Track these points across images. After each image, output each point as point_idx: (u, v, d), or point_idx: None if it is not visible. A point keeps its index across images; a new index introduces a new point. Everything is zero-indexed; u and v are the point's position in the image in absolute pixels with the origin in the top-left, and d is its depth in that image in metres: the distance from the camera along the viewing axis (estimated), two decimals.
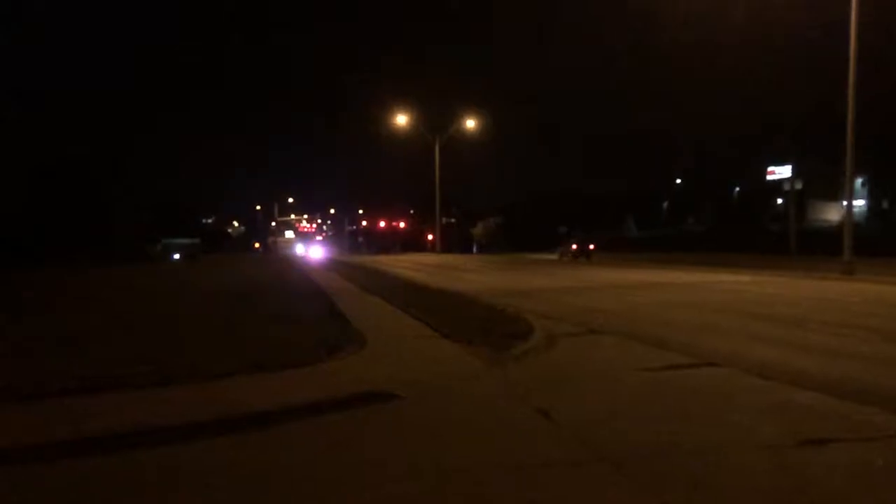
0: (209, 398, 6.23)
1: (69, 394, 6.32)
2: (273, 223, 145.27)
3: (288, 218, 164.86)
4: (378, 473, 4.37)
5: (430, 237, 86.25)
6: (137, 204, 70.07)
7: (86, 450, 4.87)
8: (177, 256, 62.94)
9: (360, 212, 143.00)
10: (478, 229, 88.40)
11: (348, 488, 4.15)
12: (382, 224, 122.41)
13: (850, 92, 22.79)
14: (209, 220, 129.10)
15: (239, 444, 5.02)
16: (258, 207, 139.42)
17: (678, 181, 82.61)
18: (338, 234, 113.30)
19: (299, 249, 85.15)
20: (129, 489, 4.21)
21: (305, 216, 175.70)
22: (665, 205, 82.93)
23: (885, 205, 54.71)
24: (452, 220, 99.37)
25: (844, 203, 25.50)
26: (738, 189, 69.88)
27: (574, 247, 45.37)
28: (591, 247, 45.46)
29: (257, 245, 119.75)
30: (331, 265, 40.82)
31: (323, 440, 5.11)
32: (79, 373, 7.03)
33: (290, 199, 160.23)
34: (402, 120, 60.88)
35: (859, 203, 53.30)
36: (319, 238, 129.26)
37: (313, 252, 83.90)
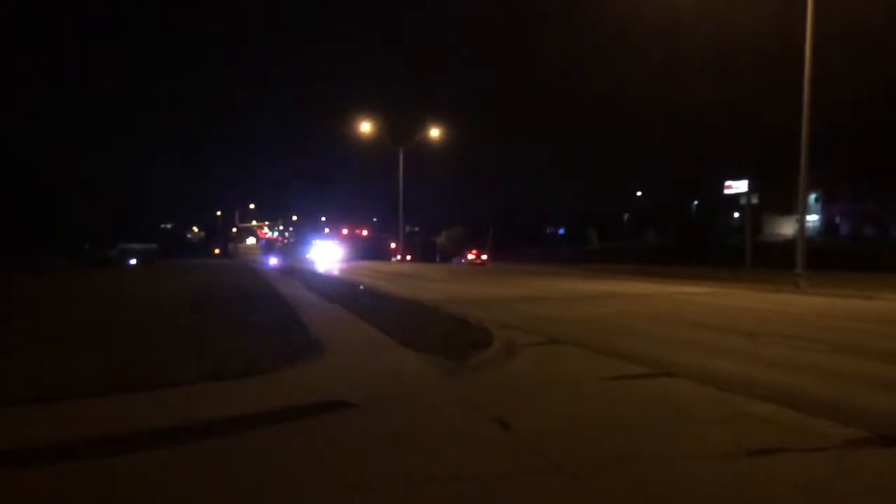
0: (163, 407, 6.06)
1: (16, 403, 6.09)
2: (234, 229, 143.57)
3: (249, 224, 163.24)
4: (330, 484, 4.29)
5: (392, 245, 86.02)
6: (93, 208, 68.64)
7: (27, 461, 4.66)
8: (133, 261, 61.82)
9: (323, 219, 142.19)
10: (441, 238, 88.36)
11: (300, 499, 4.08)
12: (345, 231, 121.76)
13: (805, 110, 23.38)
14: (168, 226, 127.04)
15: (192, 455, 4.88)
16: (218, 213, 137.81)
17: (638, 193, 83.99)
18: (299, 241, 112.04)
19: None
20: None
21: (267, 223, 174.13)
22: (626, 217, 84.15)
23: (837, 220, 56.34)
24: (416, 229, 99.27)
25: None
26: (696, 203, 71.27)
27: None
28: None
29: (217, 251, 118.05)
30: (291, 272, 40.33)
31: (276, 450, 4.99)
32: (25, 381, 6.78)
33: (252, 206, 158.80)
34: (366, 128, 60.46)
35: (813, 218, 54.80)
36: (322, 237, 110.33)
37: (325, 254, 68.88)
